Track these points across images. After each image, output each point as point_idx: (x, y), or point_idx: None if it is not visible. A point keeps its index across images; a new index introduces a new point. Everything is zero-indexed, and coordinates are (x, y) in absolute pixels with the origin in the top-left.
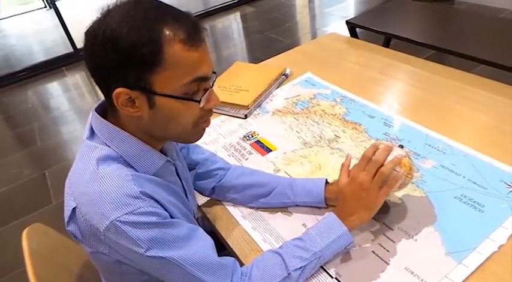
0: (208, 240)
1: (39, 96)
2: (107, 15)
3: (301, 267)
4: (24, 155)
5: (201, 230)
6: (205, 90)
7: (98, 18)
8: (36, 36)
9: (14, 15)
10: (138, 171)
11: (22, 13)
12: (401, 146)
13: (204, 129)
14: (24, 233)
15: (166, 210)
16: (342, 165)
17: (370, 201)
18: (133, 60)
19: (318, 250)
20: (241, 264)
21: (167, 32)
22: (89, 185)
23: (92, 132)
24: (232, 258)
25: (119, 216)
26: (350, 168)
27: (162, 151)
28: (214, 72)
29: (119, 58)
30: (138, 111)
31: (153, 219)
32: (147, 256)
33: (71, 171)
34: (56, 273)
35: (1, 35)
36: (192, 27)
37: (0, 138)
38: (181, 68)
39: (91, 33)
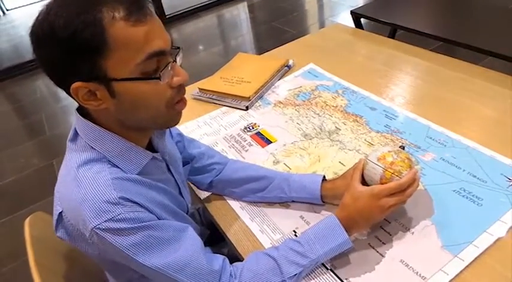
0: (197, 242)
1: (48, 87)
2: (47, 10)
3: (296, 274)
4: (33, 145)
5: (190, 229)
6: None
7: (38, 15)
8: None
9: (23, 6)
10: (123, 171)
11: (31, 3)
12: (403, 147)
13: (179, 113)
14: (27, 221)
15: (151, 212)
16: (356, 168)
17: (377, 220)
18: (77, 49)
19: (316, 257)
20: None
21: (105, 12)
22: (70, 190)
23: (75, 134)
24: (222, 257)
25: (98, 224)
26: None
27: (151, 147)
28: (178, 48)
29: (62, 51)
30: (102, 103)
31: (135, 224)
32: (130, 261)
33: (58, 176)
34: (58, 261)
35: (10, 25)
36: (132, 1)
37: (10, 127)
38: (130, 47)
39: (33, 34)
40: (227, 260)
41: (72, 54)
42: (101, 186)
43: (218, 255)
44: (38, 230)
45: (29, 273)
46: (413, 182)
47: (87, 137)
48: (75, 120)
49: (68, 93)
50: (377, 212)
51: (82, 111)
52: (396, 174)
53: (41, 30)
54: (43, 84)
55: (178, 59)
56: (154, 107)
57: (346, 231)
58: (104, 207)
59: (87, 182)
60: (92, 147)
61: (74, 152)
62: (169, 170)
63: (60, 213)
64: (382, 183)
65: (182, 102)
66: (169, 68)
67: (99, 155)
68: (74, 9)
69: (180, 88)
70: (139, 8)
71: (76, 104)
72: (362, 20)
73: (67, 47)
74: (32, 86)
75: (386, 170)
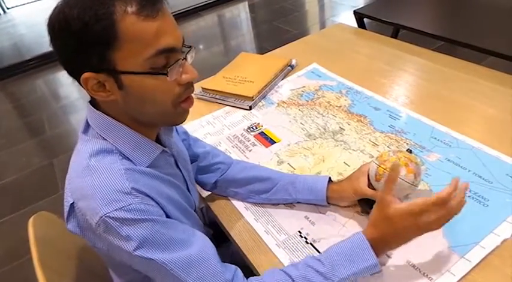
0: (208, 245)
1: (49, 85)
2: (64, 1)
3: None
4: (33, 144)
5: (199, 233)
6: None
7: (56, 6)
8: (45, 25)
9: (23, 4)
10: (134, 163)
11: (31, 2)
12: (410, 151)
13: (187, 111)
14: (30, 221)
15: (161, 207)
16: (388, 180)
17: (411, 239)
18: (88, 41)
19: (338, 280)
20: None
21: (118, 5)
22: (82, 179)
23: (87, 126)
24: (234, 267)
25: (109, 212)
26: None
27: (159, 142)
28: (190, 47)
29: (75, 42)
30: (110, 94)
31: (144, 216)
32: (136, 255)
33: (69, 167)
34: (62, 261)
35: (10, 23)
36: None
37: (10, 126)
38: (140, 41)
39: (49, 26)
40: (239, 271)
41: (84, 45)
42: (114, 176)
43: (229, 264)
44: (42, 230)
45: (30, 273)
46: (453, 193)
47: (99, 128)
48: (87, 112)
49: (80, 83)
50: (415, 230)
51: (94, 103)
52: (388, 170)
53: (57, 21)
54: (43, 83)
55: (189, 57)
56: (161, 102)
57: (377, 252)
58: (115, 196)
59: (100, 171)
60: (104, 138)
61: (85, 143)
62: (177, 165)
63: (72, 204)
64: (376, 180)
65: (189, 100)
66: (178, 65)
67: (110, 146)
68: (88, 2)
69: (188, 86)
70: (152, 4)
71: (80, 99)
72: (364, 19)
73: (79, 39)
74: (32, 84)
75: (379, 166)
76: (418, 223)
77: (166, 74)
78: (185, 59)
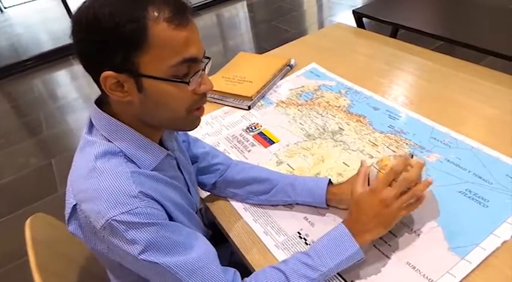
0: (210, 249)
1: (46, 85)
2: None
3: None
4: (31, 144)
5: (202, 237)
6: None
7: (84, 3)
8: (42, 25)
9: (21, 4)
10: (138, 166)
11: (28, 1)
12: (411, 156)
13: (199, 118)
14: (27, 222)
15: (166, 210)
16: (359, 172)
17: (390, 219)
18: (116, 40)
19: (327, 270)
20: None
21: (151, 11)
22: (87, 182)
23: (91, 126)
24: (233, 270)
25: (115, 215)
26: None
27: (161, 144)
28: (208, 58)
29: (102, 40)
30: (127, 95)
31: (150, 220)
32: (141, 259)
33: (71, 168)
34: (59, 263)
35: (7, 23)
36: (178, 6)
37: (8, 126)
38: (168, 48)
39: (76, 19)
40: (238, 273)
41: (110, 44)
42: (121, 179)
43: (229, 267)
44: (39, 232)
45: (27, 275)
46: (406, 165)
47: (105, 130)
48: (93, 113)
49: (95, 80)
50: (382, 207)
51: (100, 103)
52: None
53: (85, 16)
54: (40, 82)
55: (206, 68)
56: (176, 109)
57: (358, 239)
58: (122, 199)
59: (107, 174)
60: (109, 141)
61: (90, 144)
62: (179, 168)
63: (74, 205)
64: None
65: (201, 109)
66: (198, 75)
67: (115, 149)
68: (121, 2)
69: (203, 96)
70: (183, 13)
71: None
72: (363, 19)
73: (107, 37)
74: (29, 84)
75: (379, 171)
76: (382, 197)
77: (188, 83)
78: (204, 70)
